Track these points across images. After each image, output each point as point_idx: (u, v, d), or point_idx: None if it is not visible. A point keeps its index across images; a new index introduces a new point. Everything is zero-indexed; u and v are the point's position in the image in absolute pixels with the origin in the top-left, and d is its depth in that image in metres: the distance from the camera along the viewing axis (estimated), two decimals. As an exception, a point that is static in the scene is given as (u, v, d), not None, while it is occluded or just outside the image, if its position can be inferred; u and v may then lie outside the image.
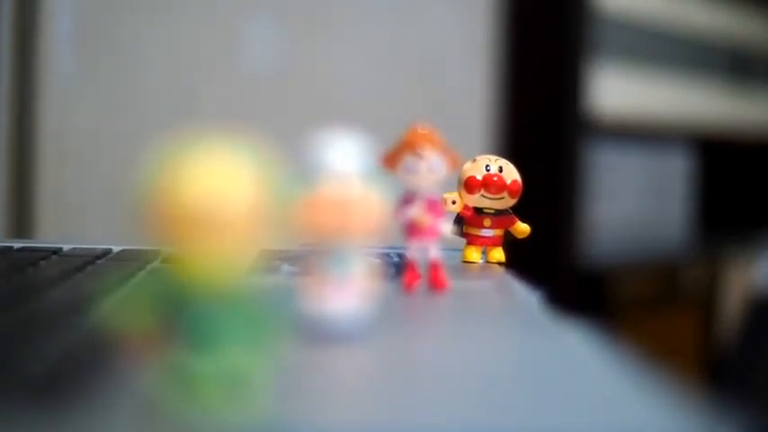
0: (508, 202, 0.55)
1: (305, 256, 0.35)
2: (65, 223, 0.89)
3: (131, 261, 0.51)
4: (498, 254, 0.56)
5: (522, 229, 0.56)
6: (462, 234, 0.56)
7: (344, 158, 0.33)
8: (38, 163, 0.89)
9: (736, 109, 1.49)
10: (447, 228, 0.47)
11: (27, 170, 0.88)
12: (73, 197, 0.90)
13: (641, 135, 1.35)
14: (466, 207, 0.55)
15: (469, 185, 0.55)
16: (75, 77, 0.89)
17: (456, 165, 0.45)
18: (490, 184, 0.55)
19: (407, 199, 0.46)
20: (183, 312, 0.24)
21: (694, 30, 1.37)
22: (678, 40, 1.36)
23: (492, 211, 0.55)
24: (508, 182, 0.55)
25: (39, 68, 0.88)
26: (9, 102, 0.88)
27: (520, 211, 0.56)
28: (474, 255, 0.56)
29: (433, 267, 0.47)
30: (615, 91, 1.23)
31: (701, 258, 1.33)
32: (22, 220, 0.89)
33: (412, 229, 0.46)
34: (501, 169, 0.55)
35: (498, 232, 0.56)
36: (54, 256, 0.53)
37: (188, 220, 0.23)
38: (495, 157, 0.56)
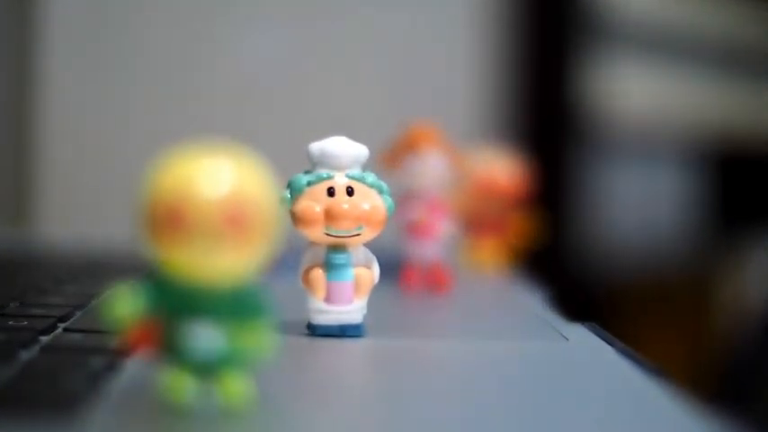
0: (506, 201, 0.55)
1: (304, 256, 0.34)
2: (65, 222, 0.89)
3: (131, 261, 0.51)
4: (499, 254, 0.56)
5: (523, 230, 0.55)
6: (463, 234, 0.55)
7: (341, 151, 0.33)
8: (39, 162, 0.88)
9: (740, 109, 1.49)
10: (448, 228, 0.46)
11: (28, 169, 0.88)
12: (72, 199, 0.90)
13: (644, 137, 1.35)
14: (466, 207, 0.55)
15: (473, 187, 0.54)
16: (75, 78, 0.89)
17: (459, 164, 0.45)
18: (492, 185, 0.54)
19: (408, 199, 0.45)
20: (178, 315, 0.24)
21: (703, 27, 1.37)
22: (694, 39, 1.36)
23: (493, 212, 0.55)
24: (505, 182, 0.54)
25: (40, 69, 0.88)
26: (9, 100, 0.88)
27: (522, 212, 0.56)
28: (476, 255, 0.56)
29: (434, 268, 0.46)
30: (626, 91, 1.23)
31: (704, 262, 1.33)
32: (23, 217, 0.89)
33: (413, 229, 0.46)
34: (498, 167, 0.54)
35: (498, 233, 0.55)
36: (54, 255, 0.53)
37: (185, 222, 0.23)
38: (494, 154, 0.55)
